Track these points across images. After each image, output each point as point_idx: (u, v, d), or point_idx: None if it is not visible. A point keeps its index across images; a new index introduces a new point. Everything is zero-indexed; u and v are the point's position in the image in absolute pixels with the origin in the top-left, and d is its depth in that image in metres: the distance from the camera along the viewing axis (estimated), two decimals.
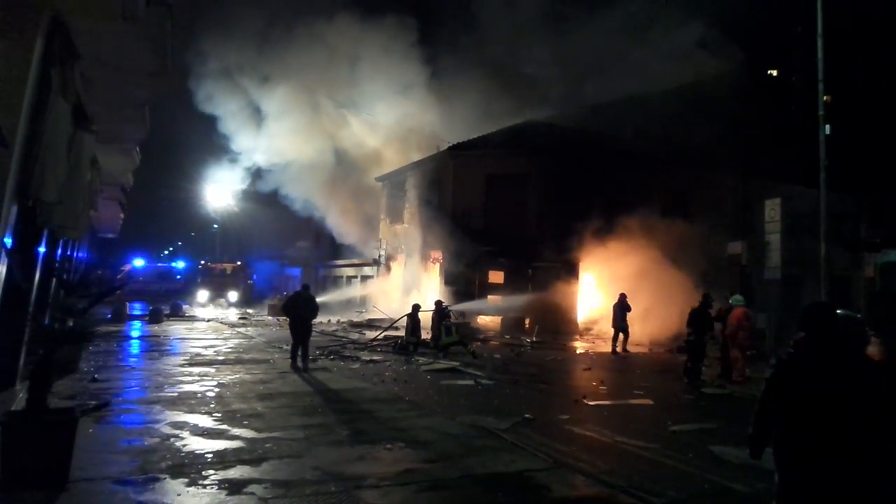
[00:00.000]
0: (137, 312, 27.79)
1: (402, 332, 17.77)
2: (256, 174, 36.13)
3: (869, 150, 24.19)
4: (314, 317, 13.87)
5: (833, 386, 3.48)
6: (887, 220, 25.24)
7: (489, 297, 23.47)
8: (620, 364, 15.11)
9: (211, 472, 5.98)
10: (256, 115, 32.01)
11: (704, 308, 13.05)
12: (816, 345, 3.61)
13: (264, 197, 37.83)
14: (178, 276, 46.40)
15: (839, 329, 3.65)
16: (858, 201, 25.55)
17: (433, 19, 32.60)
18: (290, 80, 30.97)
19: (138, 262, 52.25)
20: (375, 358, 15.22)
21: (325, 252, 38.59)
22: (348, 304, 34.28)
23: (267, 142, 33.01)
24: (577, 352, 17.82)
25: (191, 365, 13.09)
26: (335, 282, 38.07)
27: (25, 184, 5.87)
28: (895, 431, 3.40)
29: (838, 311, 3.81)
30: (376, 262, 31.57)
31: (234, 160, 35.96)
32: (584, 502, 5.61)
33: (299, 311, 13.38)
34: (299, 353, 13.18)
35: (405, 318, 17.87)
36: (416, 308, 17.61)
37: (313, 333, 21.57)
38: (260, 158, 34.33)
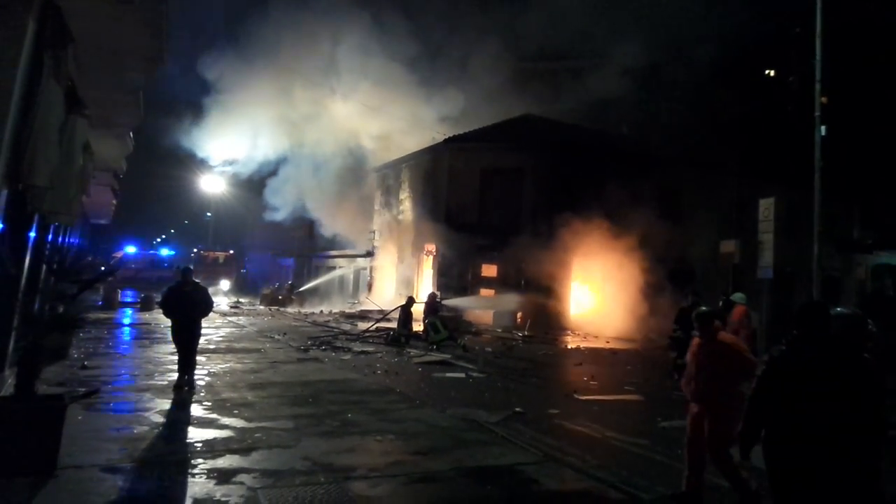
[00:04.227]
0: (128, 300, 27.69)
1: (394, 324, 17.77)
2: (249, 162, 35.87)
3: (863, 153, 24.30)
4: (205, 314, 9.82)
5: (825, 379, 3.53)
6: (879, 223, 25.41)
7: (482, 290, 23.48)
8: (611, 360, 15.16)
9: (200, 461, 5.96)
10: (247, 104, 31.72)
11: (695, 306, 13.03)
12: (810, 341, 3.66)
13: (258, 185, 37.68)
14: (170, 265, 46.35)
15: (831, 327, 3.70)
16: (851, 203, 25.71)
17: (431, 11, 32.40)
18: (284, 68, 30.75)
19: (130, 249, 51.99)
20: (367, 349, 15.21)
21: (319, 242, 38.50)
22: (341, 294, 34.28)
23: (260, 131, 32.81)
24: (569, 347, 17.86)
25: None
26: (328, 272, 38.03)
27: (16, 168, 5.81)
28: (879, 422, 3.49)
29: (839, 309, 3.87)
30: (370, 254, 31.52)
31: (226, 154, 35.69)
32: (574, 496, 5.63)
33: (182, 308, 9.44)
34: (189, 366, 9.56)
35: (398, 309, 17.88)
36: (410, 300, 17.63)
37: (304, 324, 21.63)
38: (253, 147, 34.12)
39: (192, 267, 11.02)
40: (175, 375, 9.47)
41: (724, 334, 5.64)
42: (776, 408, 3.64)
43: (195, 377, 9.90)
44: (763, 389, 3.73)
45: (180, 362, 9.39)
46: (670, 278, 20.20)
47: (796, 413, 3.57)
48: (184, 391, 9.03)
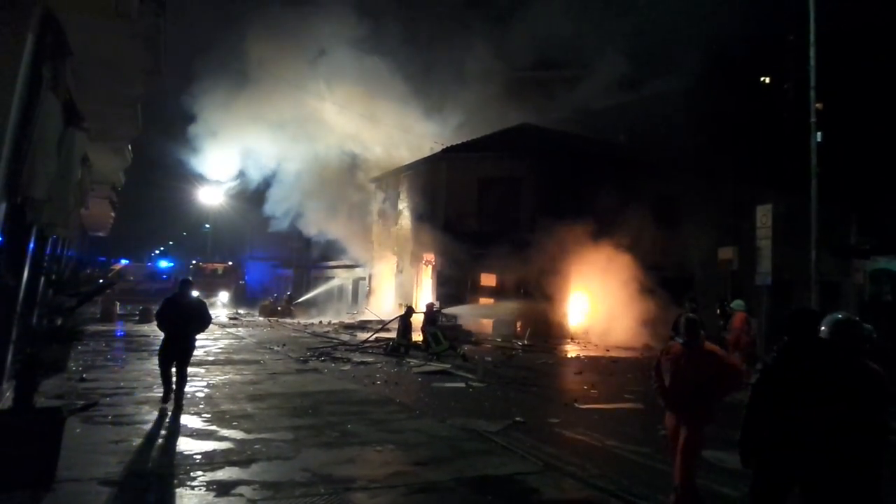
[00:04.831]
0: (127, 312, 27.63)
1: (393, 335, 17.74)
2: (247, 174, 35.96)
3: (860, 158, 24.38)
4: (201, 329, 9.30)
5: (817, 385, 3.54)
6: (877, 228, 25.46)
7: (481, 299, 23.48)
8: (611, 368, 15.13)
9: (199, 473, 5.94)
10: (244, 117, 31.81)
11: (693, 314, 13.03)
12: (800, 348, 3.68)
13: (256, 197, 37.75)
14: (168, 277, 46.20)
15: (822, 332, 3.73)
16: (849, 208, 25.77)
17: (428, 21, 32.62)
18: (279, 80, 30.85)
19: (128, 262, 51.94)
20: (367, 360, 15.18)
21: (317, 253, 38.51)
22: (340, 305, 34.25)
23: (257, 143, 32.92)
24: (569, 355, 17.83)
25: None
26: (327, 283, 38.03)
27: (15, 181, 5.82)
28: (877, 427, 3.49)
29: (836, 315, 3.89)
30: (368, 264, 31.53)
31: (224, 167, 35.76)
32: None
33: (177, 321, 8.94)
34: (173, 385, 8.85)
35: (397, 320, 17.85)
36: (409, 310, 17.62)
37: (304, 335, 21.57)
38: (250, 159, 34.23)
39: (191, 279, 10.76)
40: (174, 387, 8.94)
41: (710, 344, 5.40)
42: (770, 415, 3.65)
43: (195, 388, 9.86)
44: (758, 397, 3.75)
45: (164, 377, 8.80)
46: (669, 286, 20.21)
47: (789, 419, 3.58)
48: (181, 403, 8.68)
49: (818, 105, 14.95)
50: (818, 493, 3.52)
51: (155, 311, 9.45)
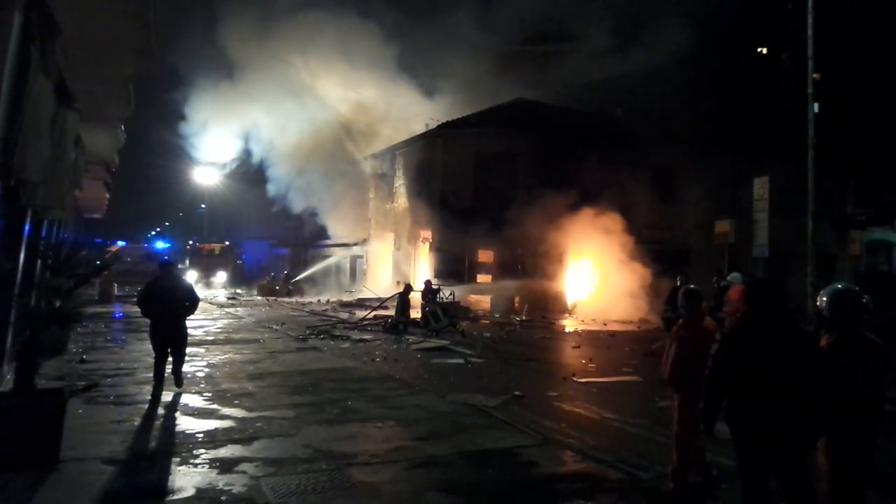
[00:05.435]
0: (125, 293, 27.64)
1: (392, 312, 17.80)
2: (244, 154, 35.77)
3: (857, 129, 24.29)
4: (190, 311, 8.69)
5: (773, 353, 3.57)
6: (874, 199, 25.48)
7: (479, 276, 23.52)
8: (608, 342, 15.23)
9: (202, 451, 5.99)
10: (237, 95, 31.51)
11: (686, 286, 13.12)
12: (759, 318, 3.70)
13: (252, 177, 37.59)
14: (166, 257, 46.24)
15: (779, 302, 3.73)
16: (846, 179, 25.75)
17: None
18: (269, 58, 30.46)
19: (126, 244, 51.82)
20: (365, 337, 15.25)
21: (314, 232, 38.45)
22: (338, 283, 34.29)
23: (251, 123, 32.70)
24: (567, 330, 17.93)
25: None
26: (324, 261, 38.02)
27: (7, 163, 5.77)
28: (825, 391, 3.52)
29: (837, 286, 3.91)
30: (365, 242, 31.50)
31: (221, 148, 35.55)
32: (573, 477, 5.68)
33: (161, 305, 8.34)
34: (167, 372, 8.40)
35: (395, 297, 17.90)
36: (408, 288, 17.66)
37: (302, 314, 21.62)
38: (244, 138, 34.01)
39: (171, 260, 9.87)
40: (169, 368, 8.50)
41: (710, 321, 5.32)
42: (732, 385, 3.67)
43: (196, 367, 9.88)
44: (718, 366, 3.77)
45: (158, 368, 8.23)
46: (666, 259, 20.28)
47: (746, 388, 3.60)
48: (181, 383, 8.52)
49: (816, 76, 14.85)
50: (798, 474, 3.56)
51: (138, 300, 8.78)
